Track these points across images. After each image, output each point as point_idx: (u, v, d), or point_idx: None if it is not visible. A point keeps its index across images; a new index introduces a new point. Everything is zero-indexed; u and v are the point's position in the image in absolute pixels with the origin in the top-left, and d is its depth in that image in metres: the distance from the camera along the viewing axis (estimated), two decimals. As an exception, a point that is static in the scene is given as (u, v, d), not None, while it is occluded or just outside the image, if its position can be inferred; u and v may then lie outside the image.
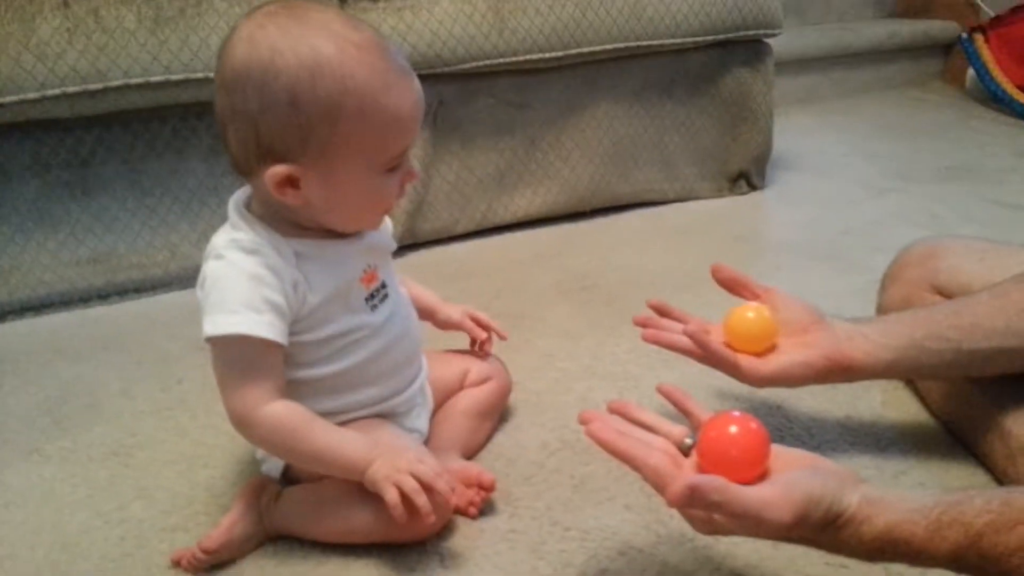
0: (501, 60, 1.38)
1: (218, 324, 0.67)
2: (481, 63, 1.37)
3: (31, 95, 1.13)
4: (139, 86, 1.17)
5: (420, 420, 0.82)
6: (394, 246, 0.81)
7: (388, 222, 0.82)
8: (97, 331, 1.20)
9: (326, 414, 0.72)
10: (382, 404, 0.77)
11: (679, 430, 0.67)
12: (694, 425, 0.68)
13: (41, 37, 1.12)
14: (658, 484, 0.61)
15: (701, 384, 0.98)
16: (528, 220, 1.53)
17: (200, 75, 1.20)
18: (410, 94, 0.68)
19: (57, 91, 1.14)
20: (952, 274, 0.89)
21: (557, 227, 1.54)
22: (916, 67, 2.66)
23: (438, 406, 0.87)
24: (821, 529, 0.57)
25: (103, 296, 1.29)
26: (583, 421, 0.65)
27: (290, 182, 0.67)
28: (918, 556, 0.56)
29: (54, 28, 1.13)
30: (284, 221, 0.71)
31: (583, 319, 1.17)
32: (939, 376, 0.86)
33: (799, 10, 2.62)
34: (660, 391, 0.73)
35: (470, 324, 0.90)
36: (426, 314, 0.89)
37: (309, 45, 0.64)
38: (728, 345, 0.82)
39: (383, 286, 0.77)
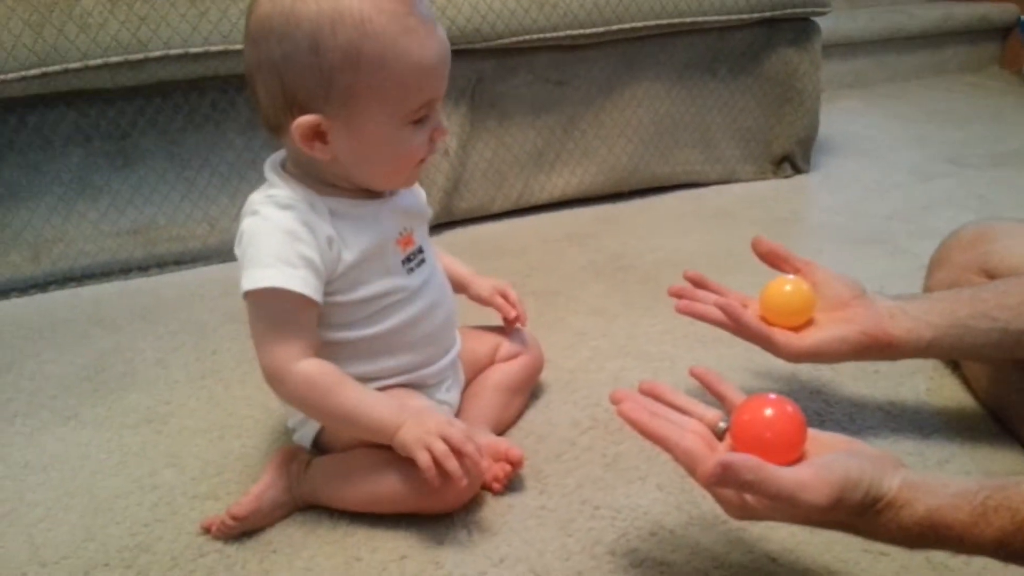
0: (541, 35, 1.36)
1: (253, 278, 0.67)
2: (520, 38, 1.35)
3: (74, 65, 1.14)
4: (179, 57, 1.18)
5: (451, 393, 0.81)
6: (429, 212, 0.81)
7: (421, 190, 0.82)
8: (136, 302, 1.21)
9: (359, 378, 0.72)
10: (415, 373, 0.77)
11: (713, 413, 0.65)
12: (728, 409, 0.66)
13: (84, 7, 1.13)
14: (690, 466, 0.59)
15: (738, 366, 0.96)
16: (565, 200, 1.51)
17: (239, 47, 1.18)
18: (432, 41, 0.67)
19: (99, 61, 1.14)
20: (1004, 256, 0.85)
21: (594, 207, 1.52)
22: (972, 52, 2.58)
23: (469, 380, 0.86)
24: (859, 513, 0.55)
25: (143, 267, 1.30)
26: (614, 401, 0.64)
27: (317, 135, 0.67)
28: (961, 542, 0.54)
29: (96, -1, 1.13)
30: (317, 180, 0.71)
31: (618, 298, 1.16)
32: (983, 357, 0.83)
33: (850, -8, 2.56)
34: (693, 373, 0.71)
35: (499, 301, 0.89)
36: (459, 287, 0.89)
37: None
38: (764, 319, 0.80)
39: (419, 251, 0.77)
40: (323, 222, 0.69)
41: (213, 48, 1.19)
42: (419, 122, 0.69)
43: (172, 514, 0.76)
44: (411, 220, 0.76)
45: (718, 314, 0.80)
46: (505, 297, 0.89)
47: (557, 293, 1.18)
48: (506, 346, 0.89)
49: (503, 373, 0.87)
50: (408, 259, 0.75)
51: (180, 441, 0.87)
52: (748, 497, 0.57)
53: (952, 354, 0.86)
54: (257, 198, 0.71)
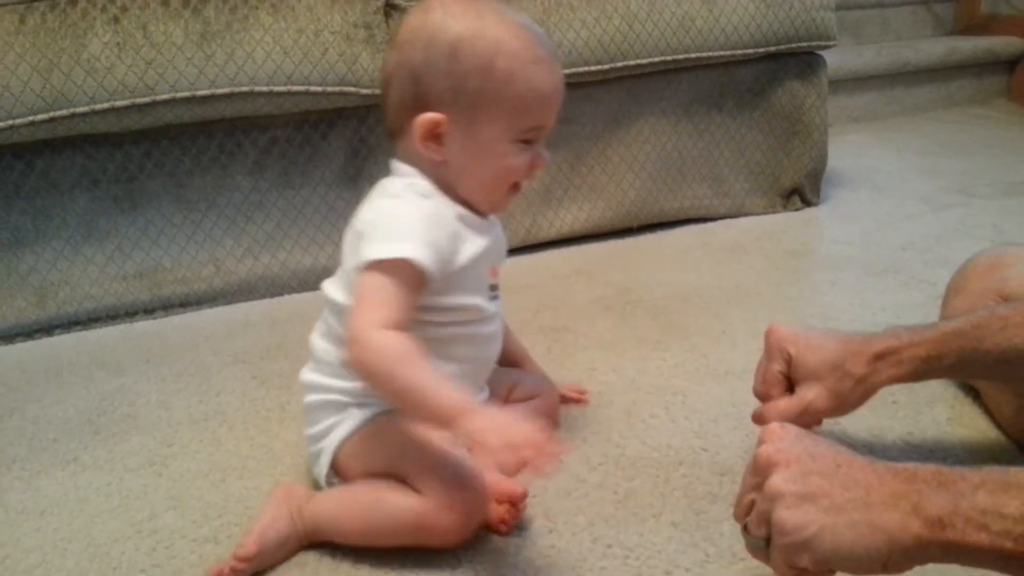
0: (546, 73, 1.36)
1: (387, 249, 0.69)
2: (525, 76, 1.35)
3: (81, 109, 1.14)
4: (186, 100, 1.18)
5: None
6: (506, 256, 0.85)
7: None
8: (141, 345, 1.20)
9: None
10: None
11: None
12: None
13: (92, 52, 1.14)
14: None
15: (752, 401, 0.93)
16: (573, 236, 1.51)
17: (245, 89, 1.20)
18: (553, 74, 0.75)
19: (106, 105, 1.15)
20: (1021, 282, 0.83)
21: (602, 243, 1.51)
22: (978, 84, 2.58)
23: None
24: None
25: (148, 310, 1.30)
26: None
27: (434, 135, 0.73)
28: None
29: (104, 43, 1.14)
30: (442, 191, 0.76)
31: (628, 333, 1.14)
32: (991, 375, 0.80)
33: (854, 29, 2.57)
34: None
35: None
36: (516, 362, 0.93)
37: (477, 14, 0.73)
38: None
39: (496, 287, 0.81)
40: (453, 219, 0.74)
41: (219, 91, 1.20)
42: (526, 143, 0.75)
43: (171, 558, 0.74)
44: (500, 255, 0.82)
45: None
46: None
47: (566, 328, 1.16)
48: (521, 387, 0.88)
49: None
50: (492, 287, 0.80)
51: (181, 484, 0.85)
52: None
53: (959, 366, 0.82)
54: (397, 184, 0.75)
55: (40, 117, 1.14)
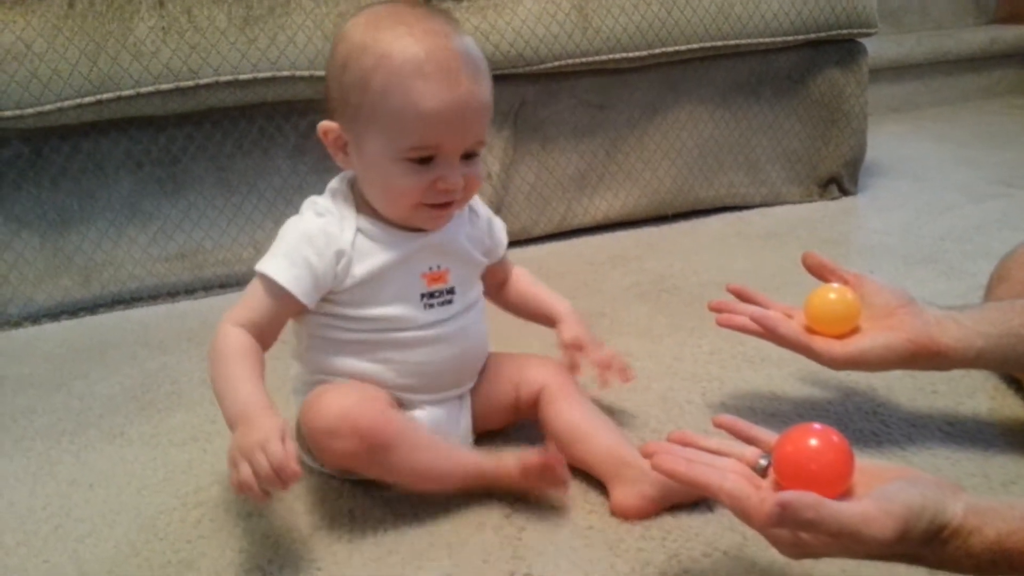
0: (584, 60, 1.36)
1: (263, 262, 0.74)
2: (564, 63, 1.36)
3: (127, 92, 1.17)
4: (228, 84, 1.20)
5: (419, 417, 0.78)
6: (482, 260, 0.82)
7: (498, 234, 0.84)
8: (183, 324, 1.23)
9: (332, 372, 0.77)
10: (393, 392, 0.77)
11: (751, 451, 0.62)
12: (767, 450, 0.62)
13: (138, 36, 1.16)
14: (738, 508, 0.56)
15: (788, 388, 0.94)
16: (608, 223, 1.51)
17: (286, 73, 1.22)
18: (445, 92, 0.69)
19: (151, 88, 1.17)
20: (1067, 271, 0.82)
21: (637, 230, 1.51)
22: (1020, 75, 2.53)
23: (484, 417, 0.84)
24: (925, 543, 0.52)
25: (190, 291, 1.32)
26: (645, 454, 0.62)
27: (340, 144, 0.75)
28: None
29: (150, 27, 1.16)
30: (367, 202, 0.76)
31: (663, 319, 1.14)
32: None
33: (895, 18, 2.53)
34: (717, 424, 0.67)
35: (570, 356, 0.84)
36: (548, 322, 0.89)
37: (375, 26, 0.72)
38: (809, 328, 0.79)
39: (450, 291, 0.78)
40: (343, 236, 0.74)
41: (261, 75, 1.21)
42: (420, 163, 0.71)
43: (217, 531, 0.76)
44: (450, 259, 0.78)
45: (755, 325, 0.79)
46: (576, 346, 0.84)
47: (602, 315, 1.16)
48: (525, 386, 0.83)
49: (560, 412, 0.80)
50: (430, 295, 0.77)
51: (225, 459, 0.86)
52: (804, 535, 0.54)
53: (1006, 366, 0.83)
54: (308, 200, 0.78)
55: (87, 100, 1.16)
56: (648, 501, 0.73)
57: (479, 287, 0.83)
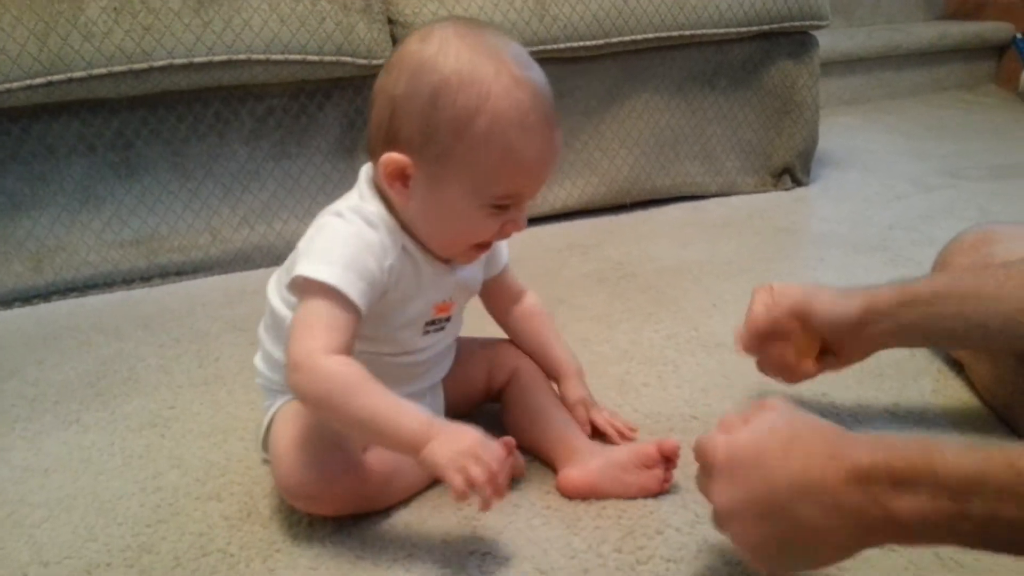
0: (541, 48, 1.37)
1: (318, 271, 0.66)
2: (522, 50, 1.36)
3: (78, 74, 1.15)
4: (183, 67, 1.18)
5: None
6: (479, 281, 0.81)
7: (504, 249, 0.84)
8: (138, 311, 1.21)
9: None
10: None
11: None
12: None
13: (89, 16, 1.14)
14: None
15: (742, 373, 0.96)
16: (567, 212, 1.52)
17: (242, 56, 1.21)
18: (543, 144, 0.67)
19: (104, 70, 1.15)
20: (1006, 258, 0.85)
21: (595, 219, 1.52)
22: (967, 69, 2.60)
23: (456, 402, 0.84)
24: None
25: (145, 278, 1.31)
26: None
27: (401, 176, 0.68)
28: None
29: (101, 8, 1.14)
30: (403, 221, 0.71)
31: (621, 305, 1.16)
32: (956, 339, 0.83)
33: (846, 11, 2.58)
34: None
35: (580, 414, 0.83)
36: (552, 375, 0.85)
37: (472, 59, 0.65)
38: None
39: (447, 319, 0.77)
40: (394, 251, 0.70)
41: (217, 58, 1.20)
42: (499, 208, 0.68)
43: (175, 515, 0.76)
44: (459, 291, 0.77)
45: None
46: (592, 421, 0.83)
47: (560, 301, 1.18)
48: (498, 372, 0.84)
49: (525, 396, 0.82)
50: (433, 322, 0.76)
51: (183, 444, 0.87)
52: None
53: (921, 333, 0.83)
54: (347, 206, 0.70)
55: (37, 81, 1.14)
56: (588, 481, 0.75)
57: (461, 312, 0.81)
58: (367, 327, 0.69)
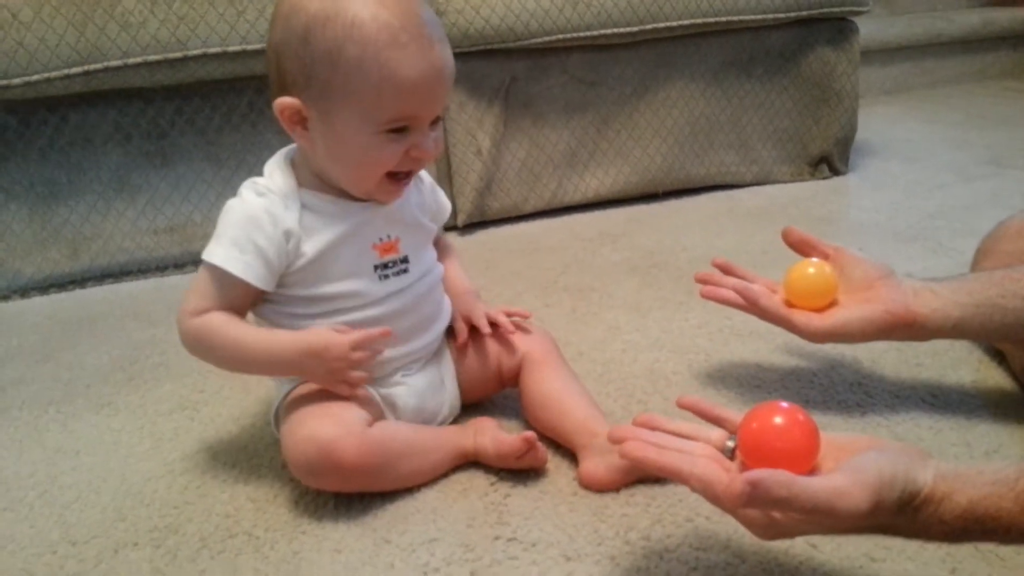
0: (574, 35, 1.36)
1: (208, 251, 0.72)
2: (554, 37, 1.35)
3: (115, 63, 1.16)
4: (217, 56, 1.19)
5: (400, 395, 0.78)
6: (431, 226, 0.81)
7: (442, 201, 0.84)
8: (172, 297, 1.22)
9: None
10: None
11: (718, 433, 0.62)
12: (732, 431, 0.62)
13: (126, 6, 1.15)
14: (709, 493, 0.55)
15: (775, 360, 0.95)
16: (598, 201, 1.51)
17: (275, 45, 1.21)
18: (422, 61, 0.67)
19: (139, 59, 1.16)
20: (1054, 245, 0.83)
21: (628, 208, 1.51)
22: (1013, 57, 2.53)
23: (470, 386, 0.84)
24: (898, 513, 0.52)
25: (179, 265, 1.32)
26: (613, 440, 0.61)
27: (299, 119, 0.70)
28: (1008, 532, 0.51)
29: (137, -3, 1.15)
30: (313, 174, 0.74)
31: (652, 294, 1.14)
32: (1016, 338, 0.80)
33: (887, -1, 2.53)
34: (681, 404, 0.66)
35: (459, 325, 0.84)
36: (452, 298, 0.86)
37: None
38: (788, 302, 0.81)
39: (404, 260, 0.77)
40: (289, 214, 0.72)
41: (250, 47, 1.21)
42: (396, 133, 0.69)
43: (202, 497, 0.76)
44: (400, 228, 0.77)
45: (738, 298, 0.81)
46: (491, 320, 0.83)
47: (591, 289, 1.16)
48: (506, 360, 0.83)
49: (539, 381, 0.81)
50: (384, 265, 0.76)
51: (212, 428, 0.87)
52: (777, 514, 0.53)
53: (984, 335, 0.83)
54: (247, 181, 0.74)
55: (75, 70, 1.15)
56: (615, 473, 0.73)
57: (432, 254, 0.82)
58: (309, 283, 0.73)
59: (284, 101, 0.69)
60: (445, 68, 0.69)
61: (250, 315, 0.77)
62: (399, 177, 0.73)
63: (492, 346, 0.83)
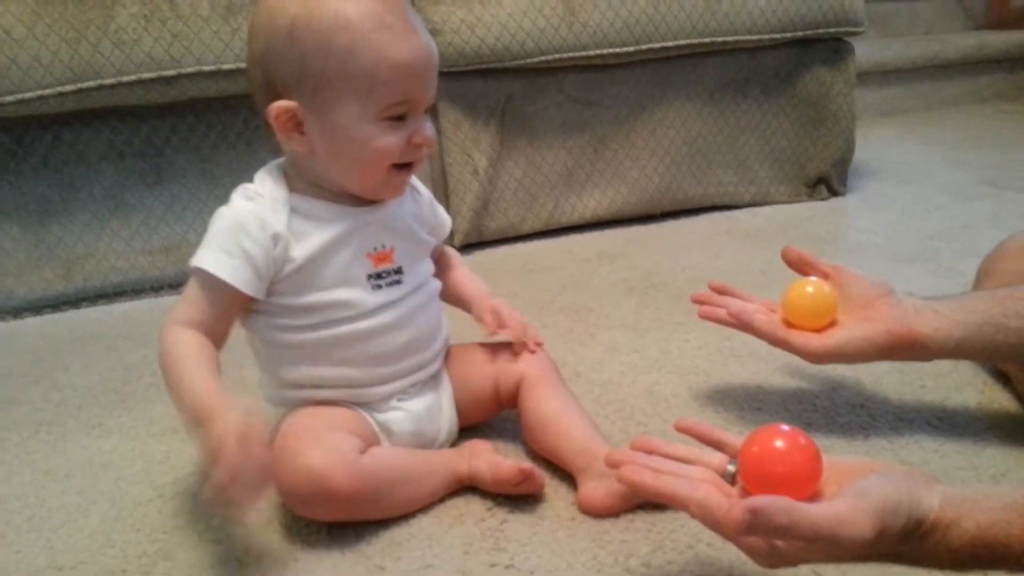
0: (571, 54, 1.36)
1: (196, 257, 0.70)
2: (550, 57, 1.35)
3: (108, 81, 1.15)
4: (211, 73, 1.19)
5: (396, 421, 0.77)
6: (429, 239, 0.80)
7: (438, 213, 0.83)
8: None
9: (298, 383, 0.74)
10: (352, 390, 0.75)
11: (719, 457, 0.60)
12: (731, 454, 0.61)
13: (119, 24, 1.15)
14: (709, 519, 0.54)
15: (776, 382, 0.93)
16: (596, 221, 1.50)
17: (271, 64, 1.20)
18: (410, 41, 0.68)
19: (133, 77, 1.16)
20: (1056, 265, 0.82)
21: (625, 228, 1.50)
22: (1009, 80, 2.54)
23: (468, 409, 0.82)
24: (904, 541, 0.50)
25: (173, 285, 1.30)
26: (611, 464, 0.60)
27: (294, 123, 0.69)
28: (1019, 560, 0.50)
29: (131, 15, 1.15)
30: (305, 180, 0.73)
31: (650, 314, 1.13)
32: (1019, 358, 0.79)
33: (883, 22, 2.54)
34: (679, 428, 0.65)
35: (487, 318, 0.81)
36: (464, 305, 0.85)
37: None
38: (787, 322, 0.80)
39: (398, 271, 0.76)
40: (278, 218, 0.70)
41: (245, 65, 1.19)
42: (395, 121, 0.69)
43: (194, 522, 0.74)
44: (395, 238, 0.76)
45: (733, 319, 0.80)
46: (496, 315, 0.81)
47: (588, 309, 1.15)
48: (504, 376, 0.81)
49: (537, 402, 0.79)
50: (378, 275, 0.74)
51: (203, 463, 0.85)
52: (778, 541, 0.52)
53: (987, 355, 0.83)
54: (238, 187, 0.74)
55: (68, 88, 1.15)
56: (615, 498, 0.71)
57: (428, 267, 0.81)
58: (299, 291, 0.71)
59: (278, 105, 0.68)
60: (432, 53, 0.70)
61: (243, 332, 0.76)
62: (403, 168, 0.72)
63: (490, 367, 0.82)
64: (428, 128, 0.71)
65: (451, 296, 0.85)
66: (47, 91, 1.14)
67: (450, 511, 0.73)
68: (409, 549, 0.69)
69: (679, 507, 0.55)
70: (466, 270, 0.87)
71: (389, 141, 0.69)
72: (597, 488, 0.72)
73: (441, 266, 0.86)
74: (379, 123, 0.69)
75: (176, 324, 0.70)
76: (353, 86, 0.67)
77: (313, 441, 0.69)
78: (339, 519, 0.71)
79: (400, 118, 0.69)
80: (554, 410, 0.78)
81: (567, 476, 0.76)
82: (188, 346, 0.68)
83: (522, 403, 0.80)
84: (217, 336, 0.71)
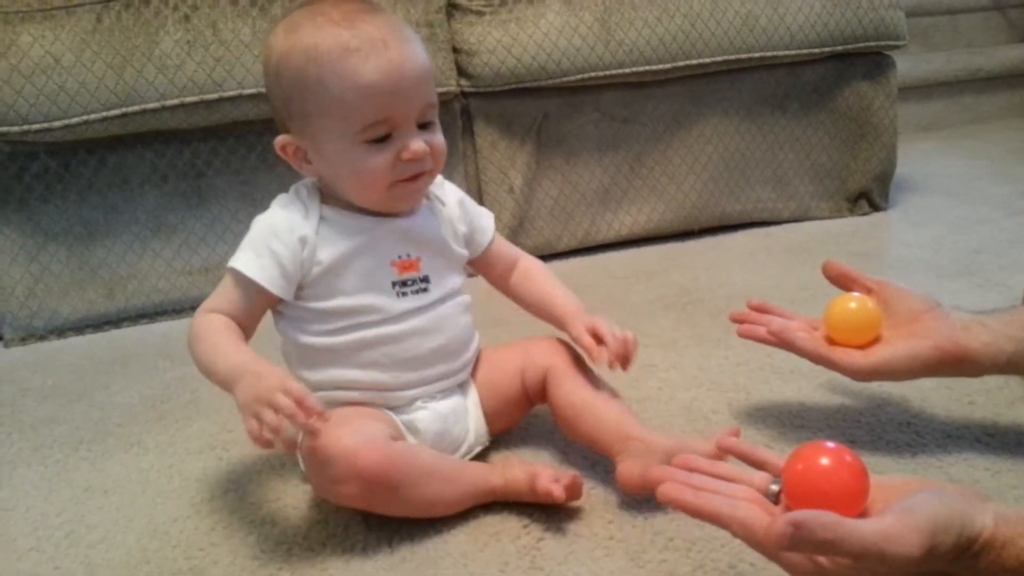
0: (607, 72, 1.35)
1: (233, 258, 0.74)
2: (587, 75, 1.35)
3: (152, 105, 1.18)
4: (252, 96, 1.20)
5: (422, 420, 0.77)
6: (454, 248, 0.80)
7: (481, 223, 0.83)
8: (204, 337, 1.22)
9: (326, 385, 0.76)
10: (379, 392, 0.76)
11: (762, 476, 0.58)
12: (775, 474, 0.59)
13: (163, 49, 1.17)
14: (751, 537, 0.52)
15: (819, 399, 0.91)
16: (632, 239, 1.49)
17: (309, 86, 1.22)
18: (377, 61, 0.69)
19: (176, 101, 1.18)
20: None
21: (662, 246, 1.49)
22: (1055, 92, 2.48)
23: (497, 411, 0.82)
24: (955, 559, 0.49)
25: (212, 305, 1.32)
26: (653, 481, 0.59)
27: (297, 153, 0.74)
28: None
29: (175, 41, 1.17)
30: (334, 195, 0.76)
31: (688, 331, 1.11)
32: None
33: (924, 36, 2.50)
34: (720, 447, 0.64)
35: (586, 341, 0.78)
36: (558, 324, 0.83)
37: (294, 28, 0.71)
38: (830, 339, 0.78)
39: (424, 280, 0.77)
40: (307, 223, 0.74)
41: (284, 88, 1.21)
42: (379, 142, 0.71)
43: (229, 538, 0.74)
44: (421, 248, 0.77)
45: (773, 338, 0.78)
46: (593, 333, 0.78)
47: (625, 326, 1.13)
48: (531, 370, 0.81)
49: (567, 392, 0.79)
50: (403, 283, 0.76)
51: (241, 468, 0.86)
52: (823, 559, 0.50)
53: None
54: (278, 196, 0.78)
55: (113, 113, 1.17)
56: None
57: (459, 279, 0.81)
58: (325, 295, 0.74)
59: (281, 139, 0.74)
60: (406, 64, 0.70)
61: (274, 334, 0.79)
62: (407, 181, 0.73)
63: (513, 365, 0.82)
64: (418, 142, 0.71)
65: (542, 313, 0.85)
66: (92, 116, 1.17)
67: (485, 529, 0.73)
68: (444, 567, 0.68)
69: (720, 526, 0.54)
70: (554, 283, 0.86)
71: (376, 162, 0.71)
72: (634, 466, 0.71)
73: (519, 278, 0.86)
74: (362, 146, 0.71)
75: (207, 311, 0.74)
76: (330, 115, 0.70)
77: (344, 424, 0.70)
78: (363, 506, 0.71)
79: (384, 139, 0.71)
80: (584, 399, 0.78)
81: (601, 495, 0.75)
82: (220, 323, 0.73)
83: (551, 396, 0.80)
84: (244, 329, 0.74)
